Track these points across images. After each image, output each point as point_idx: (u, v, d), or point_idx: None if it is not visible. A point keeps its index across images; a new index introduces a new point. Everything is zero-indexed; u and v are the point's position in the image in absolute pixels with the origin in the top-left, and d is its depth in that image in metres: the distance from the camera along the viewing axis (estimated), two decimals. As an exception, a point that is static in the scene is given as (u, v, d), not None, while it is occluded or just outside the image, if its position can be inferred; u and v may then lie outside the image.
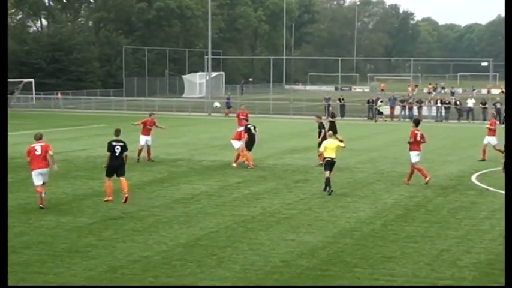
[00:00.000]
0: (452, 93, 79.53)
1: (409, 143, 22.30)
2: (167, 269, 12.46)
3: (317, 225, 16.16)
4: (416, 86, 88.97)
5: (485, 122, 51.13)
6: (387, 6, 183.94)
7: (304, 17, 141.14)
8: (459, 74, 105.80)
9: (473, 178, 23.34)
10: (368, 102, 56.10)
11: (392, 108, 55.59)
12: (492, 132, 29.09)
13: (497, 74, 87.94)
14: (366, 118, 54.89)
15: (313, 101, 64.88)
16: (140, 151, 26.92)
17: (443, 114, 54.42)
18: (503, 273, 12.08)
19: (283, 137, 38.62)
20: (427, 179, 21.89)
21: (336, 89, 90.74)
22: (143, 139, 27.03)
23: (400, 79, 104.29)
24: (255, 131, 26.30)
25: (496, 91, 77.76)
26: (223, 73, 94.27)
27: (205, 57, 64.68)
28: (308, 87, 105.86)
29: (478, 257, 13.35)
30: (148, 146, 27.09)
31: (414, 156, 22.15)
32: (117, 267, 12.57)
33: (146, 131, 27.09)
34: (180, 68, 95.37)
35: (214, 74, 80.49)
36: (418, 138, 22.13)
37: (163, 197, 19.61)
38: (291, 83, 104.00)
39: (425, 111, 55.69)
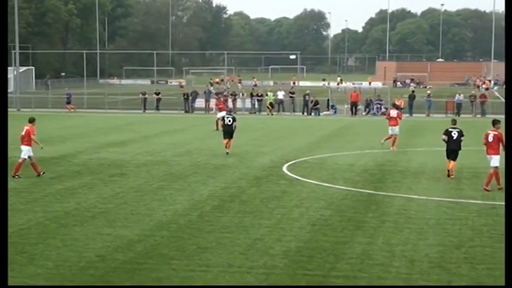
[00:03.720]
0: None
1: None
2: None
3: (133, 219, 16.10)
4: (238, 77, 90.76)
5: (295, 113, 53.43)
6: (200, 1, 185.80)
7: (117, 10, 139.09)
8: (270, 66, 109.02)
9: (284, 168, 24.25)
10: (184, 95, 56.44)
11: (207, 101, 56.32)
12: (393, 121, 30.43)
13: (305, 67, 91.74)
14: (182, 111, 55.22)
15: (129, 95, 64.27)
16: None
17: (256, 106, 55.93)
18: (312, 260, 12.74)
19: (99, 132, 37.97)
20: None
21: (152, 82, 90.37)
22: None
23: (215, 72, 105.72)
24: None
25: (304, 83, 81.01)
26: (33, 68, 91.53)
27: (13, 51, 62.26)
28: (123, 81, 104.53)
29: (289, 245, 13.91)
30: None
31: None
32: None
33: None
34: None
35: (23, 68, 78.89)
36: None
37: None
38: (105, 77, 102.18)
39: (239, 103, 56.94)
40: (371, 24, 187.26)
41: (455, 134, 22.64)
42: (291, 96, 56.33)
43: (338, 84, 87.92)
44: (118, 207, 17.53)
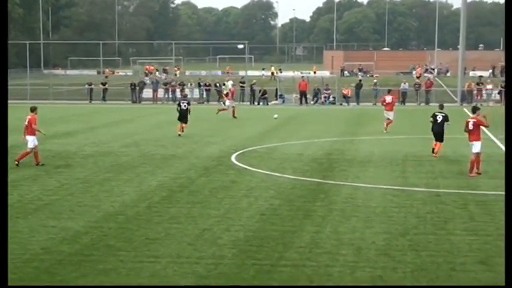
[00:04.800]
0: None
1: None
2: None
3: (80, 211, 15.91)
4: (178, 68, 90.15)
5: (243, 102, 53.43)
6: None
7: (61, 0, 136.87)
8: (218, 56, 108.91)
9: (233, 158, 24.25)
10: (131, 86, 55.94)
11: (155, 91, 55.95)
12: (389, 107, 32.42)
13: (252, 57, 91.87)
14: (130, 102, 54.75)
15: (75, 86, 63.42)
16: None
17: (204, 96, 55.79)
18: (260, 250, 12.79)
19: (44, 123, 37.24)
20: None
21: (98, 73, 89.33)
22: None
23: (162, 62, 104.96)
24: None
25: (251, 72, 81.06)
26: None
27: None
28: (69, 72, 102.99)
29: (237, 234, 13.93)
30: None
31: None
32: None
33: None
34: None
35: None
36: None
37: None
38: (50, 68, 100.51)
39: (187, 93, 56.65)
40: (318, 13, 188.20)
41: (439, 118, 24.36)
42: (241, 86, 56.27)
43: (273, 74, 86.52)
44: (63, 199, 17.30)
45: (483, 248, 12.69)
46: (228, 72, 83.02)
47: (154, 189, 18.68)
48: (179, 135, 30.21)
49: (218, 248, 12.97)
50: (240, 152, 25.78)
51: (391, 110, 32.65)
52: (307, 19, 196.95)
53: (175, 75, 78.70)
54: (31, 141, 22.32)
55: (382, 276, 11.31)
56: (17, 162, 22.09)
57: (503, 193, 17.55)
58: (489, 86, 54.84)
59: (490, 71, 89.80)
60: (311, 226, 14.51)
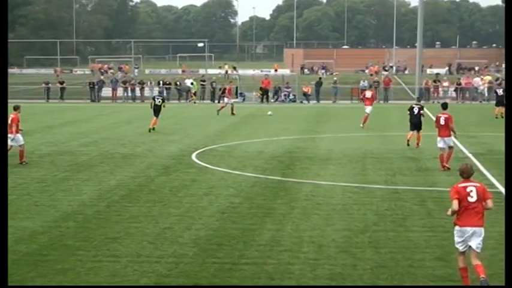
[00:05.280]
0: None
1: None
2: None
3: (37, 210, 15.71)
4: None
5: (204, 101, 53.29)
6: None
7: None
8: (178, 54, 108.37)
9: (193, 156, 24.16)
10: (90, 84, 55.39)
11: (114, 90, 55.50)
12: (368, 101, 33.60)
13: (213, 55, 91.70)
14: (88, 100, 54.22)
15: (32, 85, 62.58)
16: None
17: (164, 94, 55.44)
18: (221, 248, 12.77)
19: None
20: None
21: (56, 71, 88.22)
22: None
23: (121, 61, 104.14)
24: None
25: (212, 71, 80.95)
26: None
27: None
28: (25, 71, 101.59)
29: (198, 233, 13.89)
30: None
31: None
32: None
33: None
34: None
35: None
36: None
37: None
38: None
39: (147, 92, 56.37)
40: (278, 11, 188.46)
41: (416, 110, 25.90)
42: (202, 84, 56.11)
43: (227, 72, 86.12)
44: (20, 198, 17.06)
45: (440, 244, 12.85)
46: (184, 71, 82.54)
47: (113, 188, 18.53)
48: (153, 129, 31.32)
49: (179, 246, 12.91)
50: (200, 150, 25.69)
51: (371, 104, 33.70)
52: (267, 17, 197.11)
53: (135, 74, 78.16)
54: (19, 138, 22.47)
55: (342, 273, 11.37)
56: (22, 162, 22.37)
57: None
58: (445, 84, 55.58)
59: (447, 68, 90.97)
60: (272, 224, 14.52)
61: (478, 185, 10.73)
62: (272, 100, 53.40)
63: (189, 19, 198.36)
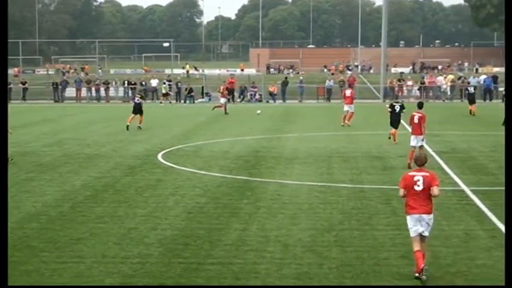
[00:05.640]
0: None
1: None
2: None
3: None
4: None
5: (169, 101, 53.08)
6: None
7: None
8: (144, 54, 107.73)
9: (159, 156, 24.03)
10: (53, 85, 54.84)
11: (78, 90, 55.03)
12: (348, 100, 34.07)
13: (178, 55, 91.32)
14: (52, 101, 53.68)
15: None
16: None
17: (129, 94, 55.15)
18: (187, 248, 12.72)
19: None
20: None
21: (19, 72, 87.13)
22: None
23: (86, 61, 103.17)
24: None
25: (178, 71, 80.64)
26: None
27: None
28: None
29: (164, 233, 13.82)
30: None
31: None
32: None
33: None
34: None
35: None
36: None
37: None
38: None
39: (112, 92, 56.02)
40: (244, 11, 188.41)
41: (397, 108, 26.51)
42: (168, 85, 55.85)
43: (188, 72, 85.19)
44: (-17, 201, 16.80)
45: (406, 243, 12.90)
46: (146, 71, 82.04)
47: (78, 188, 18.35)
48: (127, 127, 31.97)
49: (144, 247, 12.83)
50: (166, 150, 25.57)
51: (351, 103, 34.02)
52: (233, 17, 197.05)
53: (99, 74, 77.53)
54: None
55: (308, 273, 11.39)
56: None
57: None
58: (410, 83, 56.11)
59: (411, 67, 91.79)
60: (238, 224, 14.51)
61: (427, 174, 11.09)
62: (238, 100, 53.40)
63: (154, 19, 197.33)
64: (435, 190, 10.97)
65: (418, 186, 10.97)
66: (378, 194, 17.41)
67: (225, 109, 41.59)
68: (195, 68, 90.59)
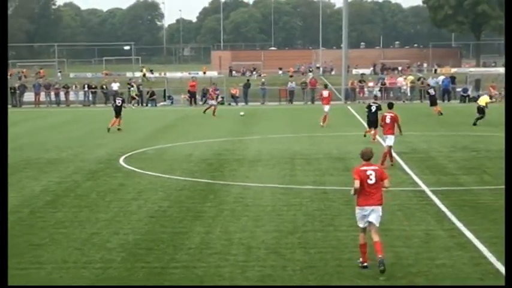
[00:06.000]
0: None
1: None
2: None
3: (-41, 221, 15.19)
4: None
5: (131, 104, 52.72)
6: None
7: None
8: (104, 58, 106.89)
9: (121, 160, 23.84)
10: (11, 89, 54.08)
11: (37, 94, 54.36)
12: (326, 100, 34.66)
13: (140, 58, 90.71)
14: (10, 106, 52.91)
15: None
16: None
17: (90, 99, 54.69)
18: (150, 252, 12.64)
19: None
20: None
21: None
22: None
23: (45, 64, 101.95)
24: None
25: (139, 74, 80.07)
26: None
27: None
28: None
29: (126, 238, 13.70)
30: None
31: None
32: None
33: None
34: None
35: None
36: None
37: None
38: None
39: (72, 96, 55.47)
40: (205, 14, 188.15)
41: (373, 108, 27.62)
42: (129, 88, 55.46)
43: (144, 75, 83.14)
44: None
45: (368, 243, 12.97)
46: (107, 74, 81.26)
47: (38, 194, 18.12)
48: (108, 129, 32.42)
49: (107, 251, 12.71)
50: (128, 154, 25.38)
51: (328, 103, 34.56)
52: (194, 19, 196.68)
53: (59, 78, 76.68)
54: None
55: (272, 275, 11.39)
56: None
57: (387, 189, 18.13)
58: (371, 84, 56.58)
59: (371, 68, 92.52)
60: (201, 227, 14.45)
61: (376, 168, 11.77)
62: (200, 102, 53.27)
63: (115, 22, 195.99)
64: (386, 183, 11.64)
65: (371, 180, 11.48)
66: (340, 195, 17.47)
67: (214, 111, 41.37)
68: (151, 71, 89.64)
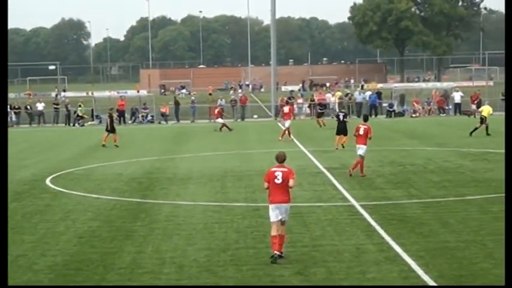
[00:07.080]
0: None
1: None
2: None
3: None
4: None
5: (58, 125, 51.83)
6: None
7: None
8: (28, 78, 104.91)
9: (48, 181, 23.35)
10: None
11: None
12: (287, 116, 35.85)
13: (66, 77, 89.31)
14: None
15: None
16: None
17: (14, 119, 53.39)
18: (79, 273, 12.37)
19: None
20: None
21: None
22: None
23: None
24: None
25: (68, 94, 78.95)
26: None
27: None
28: None
29: (54, 259, 13.39)
30: None
31: None
32: None
33: None
34: None
35: None
36: None
37: None
38: None
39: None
40: (133, 32, 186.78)
41: (341, 117, 30.69)
42: (55, 108, 54.54)
43: (57, 96, 78.60)
44: None
45: (300, 259, 13.06)
46: (29, 95, 79.72)
47: (-38, 218, 17.53)
48: (103, 145, 33.82)
49: (33, 274, 12.41)
50: (56, 174, 24.88)
51: (289, 118, 35.97)
52: (122, 38, 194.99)
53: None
54: None
55: (205, 293, 11.31)
56: None
57: (317, 204, 18.29)
58: (300, 100, 57.08)
59: (300, 85, 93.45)
60: (132, 246, 14.26)
61: (285, 169, 13.21)
62: (129, 121, 52.77)
63: (39, 41, 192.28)
64: (290, 182, 13.07)
65: (278, 180, 13.05)
66: (272, 211, 17.48)
67: (228, 126, 42.38)
68: (63, 90, 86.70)
